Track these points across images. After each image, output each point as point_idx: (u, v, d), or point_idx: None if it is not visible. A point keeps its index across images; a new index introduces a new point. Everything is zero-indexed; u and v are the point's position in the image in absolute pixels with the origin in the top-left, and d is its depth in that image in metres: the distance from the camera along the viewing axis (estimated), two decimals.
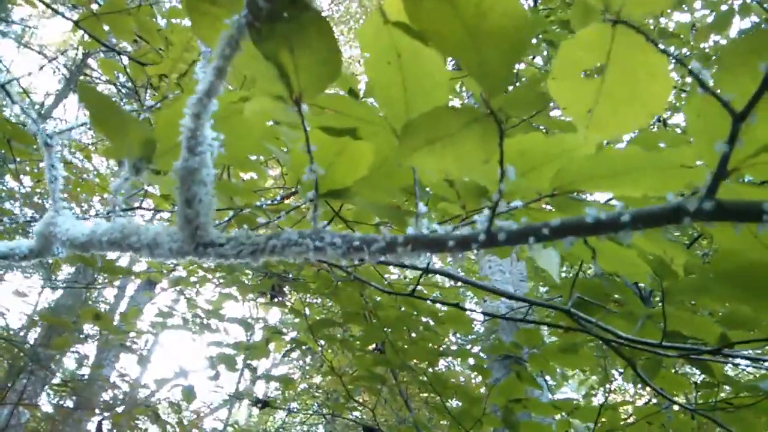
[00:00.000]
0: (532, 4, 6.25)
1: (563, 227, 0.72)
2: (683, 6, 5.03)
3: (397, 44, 0.91)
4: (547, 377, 4.51)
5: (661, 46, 0.75)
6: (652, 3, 0.70)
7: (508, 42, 0.70)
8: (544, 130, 3.10)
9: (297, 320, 4.01)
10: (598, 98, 0.83)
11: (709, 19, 4.86)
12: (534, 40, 4.95)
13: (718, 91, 0.67)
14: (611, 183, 0.97)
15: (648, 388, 2.06)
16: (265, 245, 0.93)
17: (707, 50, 5.13)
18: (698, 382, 2.59)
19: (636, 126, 0.84)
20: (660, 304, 1.66)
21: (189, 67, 2.32)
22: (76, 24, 3.05)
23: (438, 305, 3.21)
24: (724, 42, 5.15)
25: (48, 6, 3.55)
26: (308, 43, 0.79)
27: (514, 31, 0.69)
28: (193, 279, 4.13)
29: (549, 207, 1.16)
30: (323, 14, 0.76)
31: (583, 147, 1.01)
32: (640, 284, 3.91)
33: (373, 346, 3.54)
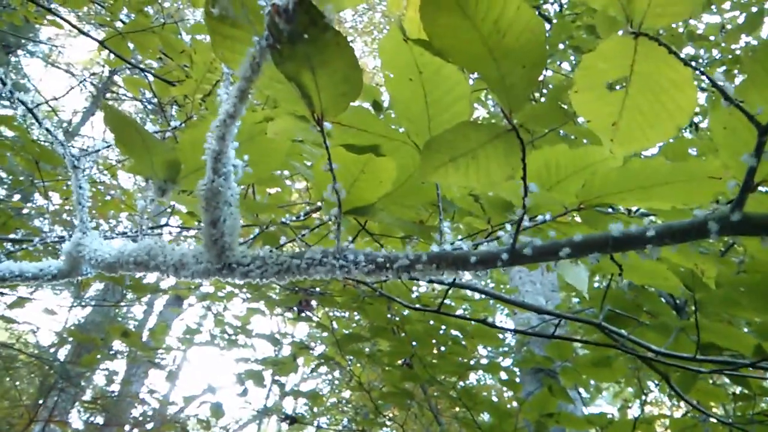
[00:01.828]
0: (558, 9, 6.22)
1: (587, 244, 0.71)
2: (712, 7, 4.96)
3: (418, 61, 0.91)
4: (581, 389, 4.44)
5: (684, 54, 0.74)
6: (673, 15, 0.69)
7: (528, 57, 0.69)
8: (573, 139, 3.06)
9: (325, 335, 4.01)
10: (622, 111, 0.82)
11: (740, 20, 4.78)
12: (561, 46, 4.91)
13: (737, 99, 0.66)
14: (638, 196, 0.96)
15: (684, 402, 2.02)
16: (289, 265, 0.93)
17: (738, 52, 5.05)
18: (736, 393, 2.54)
19: (662, 138, 0.83)
20: (694, 314, 1.63)
21: (213, 88, 2.34)
22: (101, 44, 3.09)
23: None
24: (755, 44, 5.06)
25: (73, 26, 3.61)
26: (329, 62, 0.79)
27: (533, 46, 0.69)
28: (220, 294, 4.15)
29: (579, 220, 1.15)
30: (343, 33, 0.76)
31: (609, 160, 1.00)
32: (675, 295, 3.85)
33: (402, 360, 3.52)
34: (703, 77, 0.71)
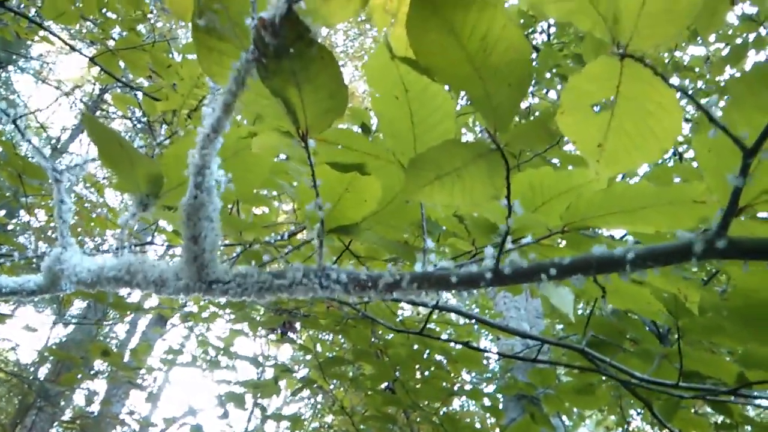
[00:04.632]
0: (546, 38, 6.30)
1: (572, 266, 0.70)
2: (697, 39, 5.03)
3: (405, 79, 0.91)
4: (564, 417, 4.43)
5: (672, 80, 0.74)
6: (660, 36, 0.69)
7: (514, 76, 0.69)
8: (557, 165, 3.08)
9: (308, 357, 3.98)
10: (608, 132, 0.82)
11: (725, 52, 4.86)
12: (548, 74, 4.96)
13: (726, 124, 0.66)
14: (623, 219, 0.95)
15: (666, 430, 2.01)
16: (270, 283, 0.92)
17: (723, 84, 5.14)
18: (718, 422, 2.53)
19: (647, 160, 0.83)
20: (677, 341, 1.63)
21: (199, 103, 2.34)
22: (92, 60, 3.09)
23: (451, 343, 3.18)
24: (739, 75, 5.12)
25: (65, 43, 3.61)
26: (314, 78, 0.79)
27: (519, 65, 0.68)
28: (204, 315, 4.11)
29: (564, 243, 1.14)
30: (328, 49, 0.76)
31: (594, 182, 1.00)
32: (658, 322, 3.86)
33: (385, 384, 3.49)
34: (689, 107, 0.71)
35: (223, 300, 1.00)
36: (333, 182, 1.01)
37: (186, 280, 0.96)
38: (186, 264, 0.95)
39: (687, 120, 4.69)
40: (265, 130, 0.95)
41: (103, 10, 3.83)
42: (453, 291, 0.81)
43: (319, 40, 0.75)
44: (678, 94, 0.75)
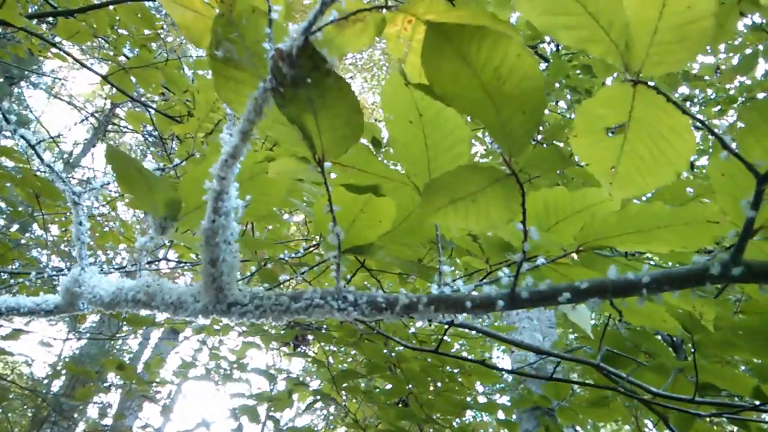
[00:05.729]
0: (554, 48, 6.30)
1: (588, 290, 0.71)
2: (707, 48, 5.02)
3: (419, 104, 0.92)
4: (579, 429, 4.41)
5: (680, 94, 0.74)
6: (671, 63, 0.70)
7: (528, 104, 0.70)
8: (572, 179, 3.08)
9: (321, 370, 3.98)
10: (621, 156, 0.83)
11: (735, 61, 4.85)
12: (557, 85, 4.96)
13: (734, 145, 0.66)
14: (637, 239, 0.96)
15: None
16: (288, 306, 0.93)
17: (732, 92, 5.13)
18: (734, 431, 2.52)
19: (660, 183, 0.84)
20: (693, 355, 1.63)
21: (215, 127, 2.36)
22: (105, 78, 3.12)
23: (464, 354, 3.17)
24: (749, 83, 5.13)
25: (77, 60, 3.65)
26: (331, 106, 0.80)
27: (533, 93, 0.69)
28: (216, 327, 4.12)
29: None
30: (344, 78, 0.77)
31: (608, 202, 1.00)
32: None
33: (398, 398, 3.48)
34: (699, 115, 0.71)
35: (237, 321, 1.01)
36: (348, 204, 1.02)
37: (204, 302, 0.97)
38: (204, 286, 0.96)
39: (698, 128, 4.68)
40: (281, 155, 0.97)
41: (115, 27, 3.88)
42: (470, 314, 0.82)
43: (336, 70, 0.77)
44: (689, 107, 0.76)
